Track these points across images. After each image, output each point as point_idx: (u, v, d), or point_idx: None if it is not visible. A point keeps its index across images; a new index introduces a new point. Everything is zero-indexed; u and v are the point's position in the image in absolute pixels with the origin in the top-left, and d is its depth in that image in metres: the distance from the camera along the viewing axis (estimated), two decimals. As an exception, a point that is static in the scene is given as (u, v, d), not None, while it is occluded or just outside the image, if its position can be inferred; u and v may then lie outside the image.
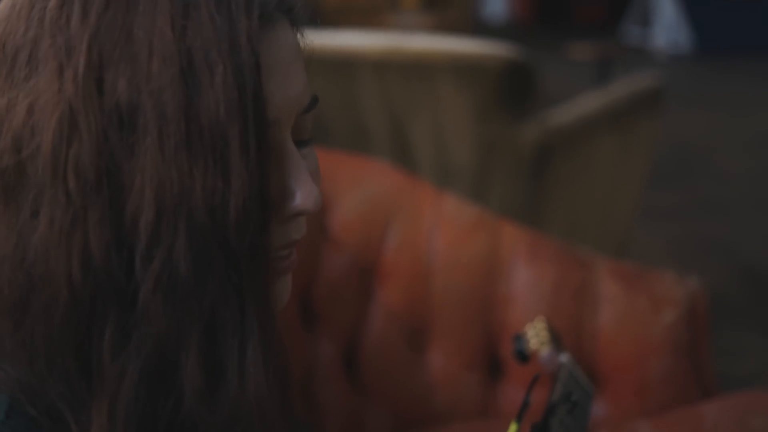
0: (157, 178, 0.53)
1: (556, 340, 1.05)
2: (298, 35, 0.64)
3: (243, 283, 0.56)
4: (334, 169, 1.33)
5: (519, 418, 0.79)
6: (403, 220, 1.34)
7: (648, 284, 1.35)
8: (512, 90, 2.05)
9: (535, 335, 1.04)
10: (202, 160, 0.54)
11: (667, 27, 8.96)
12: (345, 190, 1.32)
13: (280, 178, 0.59)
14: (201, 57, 0.54)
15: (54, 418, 0.57)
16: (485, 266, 1.34)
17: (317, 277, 1.28)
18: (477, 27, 6.40)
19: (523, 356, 1.03)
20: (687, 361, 1.32)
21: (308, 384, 1.26)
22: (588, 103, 2.42)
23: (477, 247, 1.34)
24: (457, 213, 1.35)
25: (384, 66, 2.13)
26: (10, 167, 0.55)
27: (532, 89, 2.09)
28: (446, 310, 1.33)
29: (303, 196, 0.60)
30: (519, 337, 1.04)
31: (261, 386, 0.57)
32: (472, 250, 1.34)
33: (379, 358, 1.31)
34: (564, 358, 1.00)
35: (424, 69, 2.09)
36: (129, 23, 0.54)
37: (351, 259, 1.31)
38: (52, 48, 0.55)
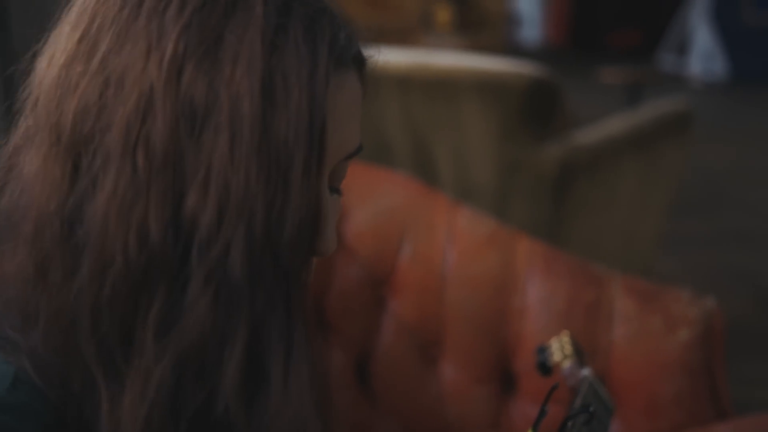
0: (223, 177, 0.55)
1: (580, 354, 1.04)
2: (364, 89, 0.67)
3: (291, 297, 0.58)
4: (350, 179, 1.33)
5: (535, 428, 0.79)
6: (418, 231, 1.34)
7: (664, 302, 1.34)
8: (536, 109, 2.05)
9: (559, 348, 1.04)
10: (267, 171, 0.56)
11: (702, 55, 8.91)
12: (360, 200, 1.33)
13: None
14: (281, 78, 0.57)
15: (63, 389, 0.58)
16: (499, 280, 1.33)
17: (330, 287, 1.29)
18: (510, 50, 6.40)
19: (546, 368, 1.03)
20: (701, 382, 1.30)
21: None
22: (613, 125, 2.41)
23: (491, 261, 1.34)
24: (472, 226, 1.35)
25: (408, 83, 2.15)
26: (79, 131, 0.57)
27: (556, 109, 2.09)
28: (459, 323, 1.33)
29: (326, 241, 0.62)
30: (543, 349, 1.03)
31: (304, 397, 0.58)
32: (486, 264, 1.34)
33: (390, 369, 1.31)
34: (586, 371, 0.99)
35: (447, 87, 2.10)
36: (221, 26, 0.57)
37: (364, 269, 1.31)
38: (145, 30, 0.57)
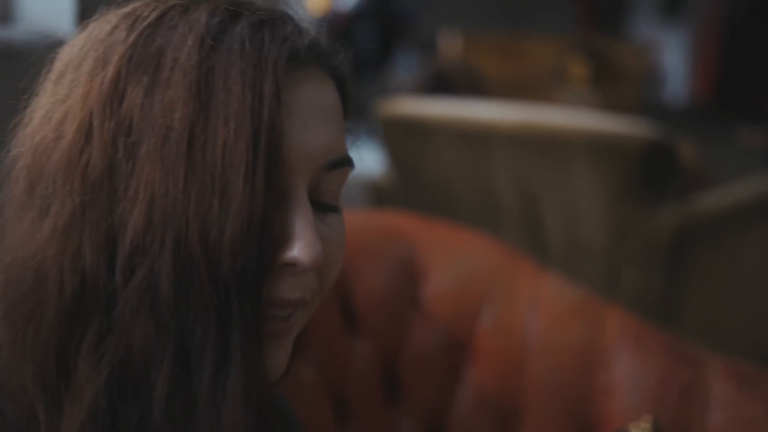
0: (151, 185, 0.53)
1: None
2: (341, 96, 0.64)
3: (231, 312, 0.54)
4: (430, 237, 1.30)
5: None
6: (500, 297, 1.28)
7: (767, 389, 1.23)
8: (649, 171, 1.96)
9: None
10: (201, 175, 0.53)
11: None
12: (440, 260, 1.28)
13: (282, 223, 0.57)
14: (222, 76, 0.55)
15: (29, 419, 0.57)
16: (585, 353, 1.25)
17: (404, 350, 1.24)
18: (649, 108, 6.23)
19: None
20: (808, 481, 1.18)
21: (385, 461, 1.21)
22: (742, 190, 2.28)
23: (577, 332, 1.27)
24: (559, 294, 1.28)
25: (519, 140, 2.09)
26: (35, 168, 0.58)
27: (673, 172, 1.99)
28: (540, 397, 1.25)
29: (300, 247, 0.57)
30: None
31: (237, 421, 0.54)
32: (571, 335, 1.26)
33: (464, 440, 1.25)
34: None
35: (559, 145, 2.03)
36: (165, 41, 0.56)
37: (442, 334, 1.26)
38: (92, 56, 0.58)
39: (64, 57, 0.60)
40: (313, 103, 0.59)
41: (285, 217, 0.57)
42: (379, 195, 2.55)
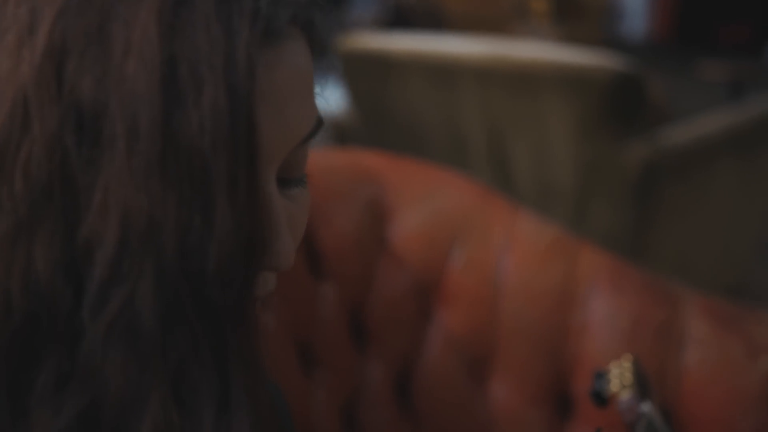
0: (123, 201, 0.44)
1: (643, 384, 0.92)
2: (315, 54, 0.54)
3: (225, 336, 0.47)
4: (400, 177, 1.24)
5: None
6: (472, 237, 1.23)
7: (745, 326, 1.20)
8: (619, 104, 1.92)
9: (618, 375, 0.93)
10: (178, 189, 0.45)
11: (818, 51, 8.46)
12: (410, 201, 1.22)
13: (258, 228, 0.49)
14: (187, 68, 0.45)
15: None
16: (559, 294, 1.21)
17: (372, 293, 1.19)
18: (609, 43, 6.17)
19: (601, 398, 0.91)
20: (786, 418, 1.16)
21: (353, 409, 1.16)
22: (709, 123, 2.25)
23: (551, 273, 1.22)
24: (533, 233, 1.24)
25: (486, 74, 2.03)
26: None
27: (642, 105, 1.95)
28: (513, 339, 1.22)
29: (279, 255, 0.50)
30: (600, 376, 0.92)
31: None
32: (545, 276, 1.22)
33: (435, 385, 1.21)
34: (646, 407, 0.87)
35: (527, 80, 1.97)
36: (107, 9, 0.45)
37: (411, 276, 1.21)
38: (15, 17, 0.46)
39: None
40: (290, 82, 0.50)
41: (260, 221, 0.49)
42: (341, 133, 2.49)
